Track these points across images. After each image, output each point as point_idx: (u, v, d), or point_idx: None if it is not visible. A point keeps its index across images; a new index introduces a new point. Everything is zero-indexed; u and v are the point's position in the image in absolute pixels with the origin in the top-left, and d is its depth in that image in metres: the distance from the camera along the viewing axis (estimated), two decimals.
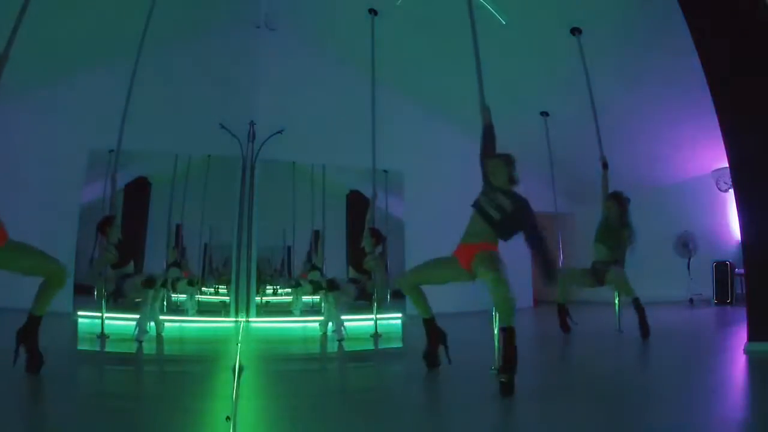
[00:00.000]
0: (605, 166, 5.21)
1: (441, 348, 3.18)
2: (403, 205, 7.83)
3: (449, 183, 7.61)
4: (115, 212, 4.60)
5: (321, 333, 4.96)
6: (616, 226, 4.77)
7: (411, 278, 3.19)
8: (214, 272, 6.91)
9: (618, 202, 4.81)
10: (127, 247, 4.55)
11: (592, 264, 4.91)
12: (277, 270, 7.16)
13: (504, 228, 2.85)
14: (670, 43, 5.36)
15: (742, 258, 3.67)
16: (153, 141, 6.27)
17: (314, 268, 6.63)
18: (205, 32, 7.09)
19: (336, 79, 7.49)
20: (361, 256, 4.90)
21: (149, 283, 4.42)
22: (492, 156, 3.08)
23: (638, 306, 4.51)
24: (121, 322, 4.75)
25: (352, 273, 4.97)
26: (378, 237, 4.92)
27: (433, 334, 3.18)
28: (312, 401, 2.42)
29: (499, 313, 2.70)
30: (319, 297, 5.66)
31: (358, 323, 5.27)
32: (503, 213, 2.82)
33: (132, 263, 4.65)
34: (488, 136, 3.22)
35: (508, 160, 3.01)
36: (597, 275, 4.84)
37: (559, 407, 2.27)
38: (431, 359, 3.14)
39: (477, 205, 2.94)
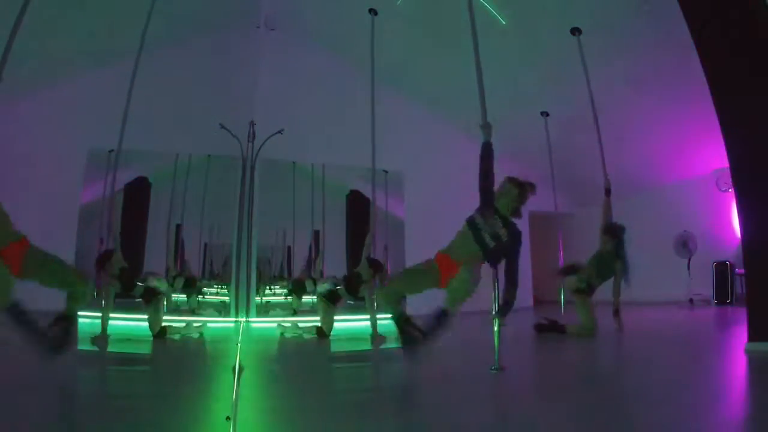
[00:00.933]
0: (608, 192, 5.13)
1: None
2: (403, 205, 7.84)
3: (449, 183, 7.61)
4: (114, 246, 4.55)
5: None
6: (609, 259, 4.77)
7: (395, 290, 3.08)
8: (214, 277, 6.96)
9: (613, 236, 4.79)
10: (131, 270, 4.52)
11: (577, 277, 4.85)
12: (275, 276, 7.19)
13: (495, 256, 2.84)
14: (670, 43, 5.36)
15: (742, 258, 3.67)
16: (153, 141, 6.27)
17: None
18: (205, 32, 7.09)
19: (336, 79, 7.48)
20: (356, 280, 4.82)
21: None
22: (511, 180, 2.98)
23: (574, 333, 4.56)
24: (121, 323, 4.77)
25: (344, 293, 4.92)
26: (377, 268, 4.89)
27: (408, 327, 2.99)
28: (312, 401, 2.42)
29: (449, 296, 2.79)
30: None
31: (358, 323, 5.29)
32: (498, 242, 2.78)
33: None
34: (485, 154, 3.12)
35: (524, 189, 2.90)
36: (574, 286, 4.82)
37: (559, 407, 2.27)
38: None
39: (473, 225, 2.87)
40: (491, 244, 2.78)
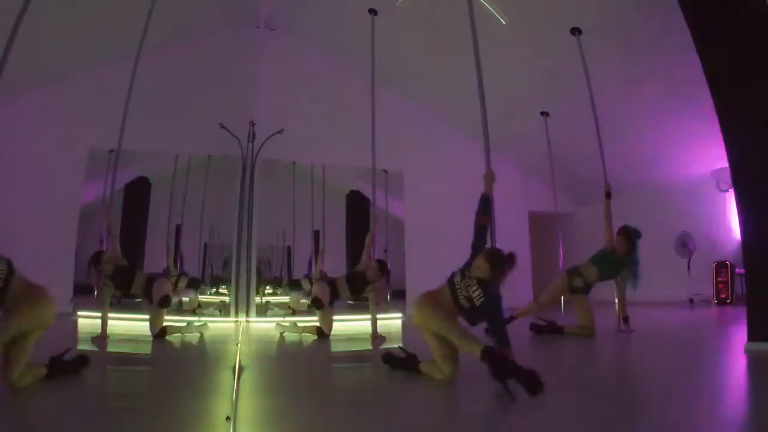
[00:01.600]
0: (608, 195, 5.06)
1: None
2: (403, 205, 7.85)
3: (449, 183, 7.62)
4: (111, 246, 4.53)
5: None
6: (619, 260, 4.68)
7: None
8: (213, 279, 6.98)
9: (628, 239, 4.66)
10: (128, 271, 4.47)
11: (574, 274, 4.79)
12: (276, 278, 7.20)
13: (469, 316, 2.75)
14: (670, 43, 5.36)
15: (742, 258, 3.67)
16: (153, 141, 6.27)
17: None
18: (205, 32, 7.10)
19: (336, 79, 7.49)
20: (360, 281, 4.81)
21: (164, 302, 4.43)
22: (486, 255, 2.70)
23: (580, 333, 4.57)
24: (121, 323, 4.77)
25: (347, 295, 4.92)
26: (383, 270, 4.92)
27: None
28: (312, 401, 2.42)
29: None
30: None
31: (358, 323, 5.29)
32: (471, 305, 2.68)
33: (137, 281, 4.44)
34: (481, 208, 2.95)
35: (498, 268, 2.63)
36: (570, 285, 4.78)
37: (560, 407, 2.27)
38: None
39: (451, 283, 2.74)
40: (465, 305, 2.69)
